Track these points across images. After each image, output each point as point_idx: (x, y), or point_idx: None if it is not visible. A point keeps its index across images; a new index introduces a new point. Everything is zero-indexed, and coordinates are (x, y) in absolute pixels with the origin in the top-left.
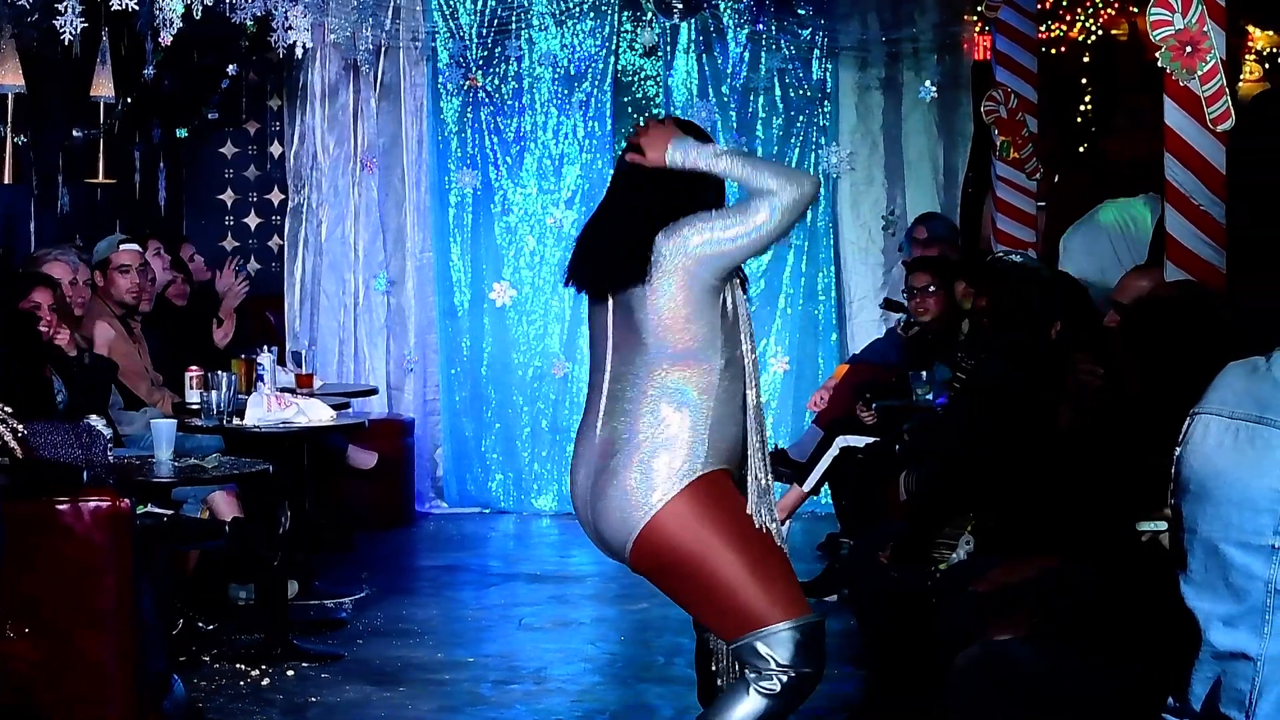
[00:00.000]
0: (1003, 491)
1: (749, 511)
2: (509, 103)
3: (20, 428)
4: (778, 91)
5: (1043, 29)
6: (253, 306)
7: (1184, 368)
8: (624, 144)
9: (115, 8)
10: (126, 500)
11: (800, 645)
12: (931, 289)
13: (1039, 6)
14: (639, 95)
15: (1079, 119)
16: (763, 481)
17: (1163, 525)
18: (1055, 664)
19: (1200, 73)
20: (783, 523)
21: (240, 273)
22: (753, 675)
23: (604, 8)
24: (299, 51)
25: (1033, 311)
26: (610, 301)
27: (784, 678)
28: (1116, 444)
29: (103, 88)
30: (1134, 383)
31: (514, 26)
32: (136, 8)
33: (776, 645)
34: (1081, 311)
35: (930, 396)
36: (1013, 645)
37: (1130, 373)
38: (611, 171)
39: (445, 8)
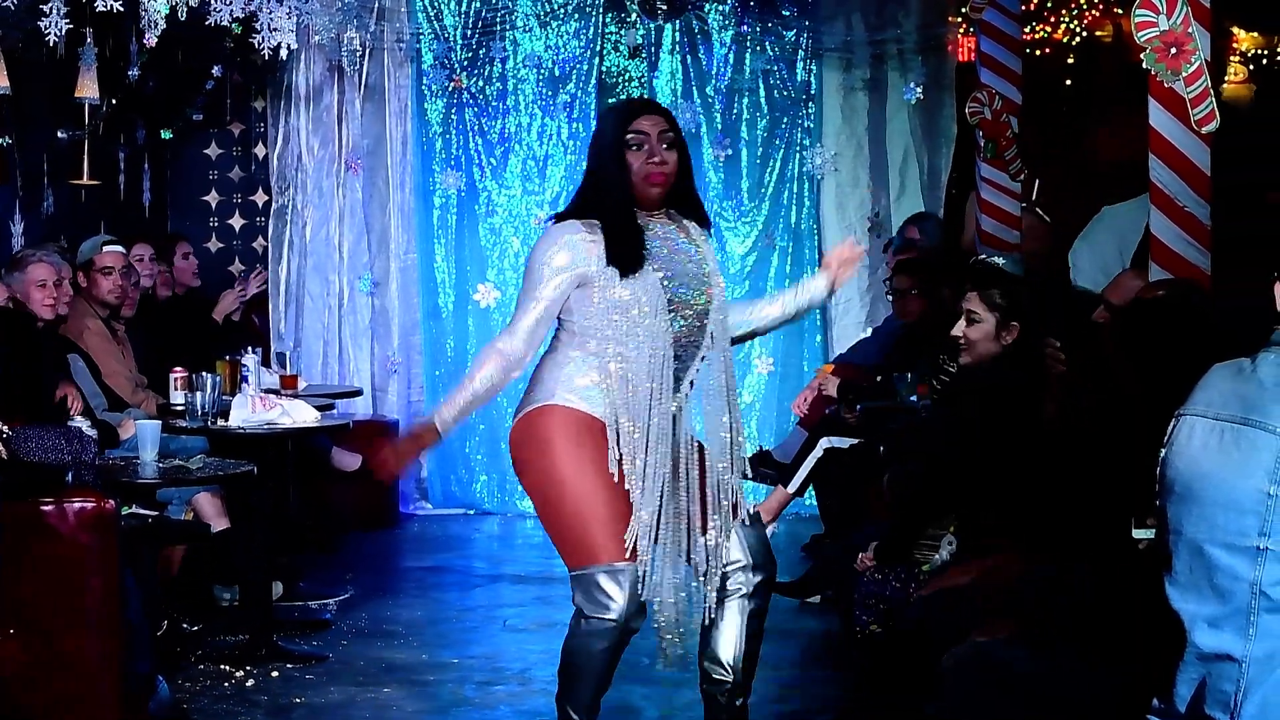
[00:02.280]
0: (995, 491)
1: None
2: (493, 104)
3: (5, 429)
4: (762, 93)
5: (1027, 30)
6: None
7: (1175, 368)
8: None
9: (100, 9)
10: (111, 501)
11: (597, 589)
12: (914, 291)
13: (1023, 8)
14: (623, 96)
15: (1063, 119)
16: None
17: None
18: (1044, 664)
19: (1185, 74)
20: (768, 524)
21: (243, 290)
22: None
23: (588, 9)
24: (283, 53)
25: (1024, 312)
26: None
27: (580, 620)
28: (1110, 444)
29: (87, 89)
30: (1129, 383)
31: (498, 28)
32: (121, 9)
33: (582, 585)
34: (1076, 313)
35: (914, 398)
36: (1002, 645)
37: (1124, 373)
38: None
39: (430, 9)
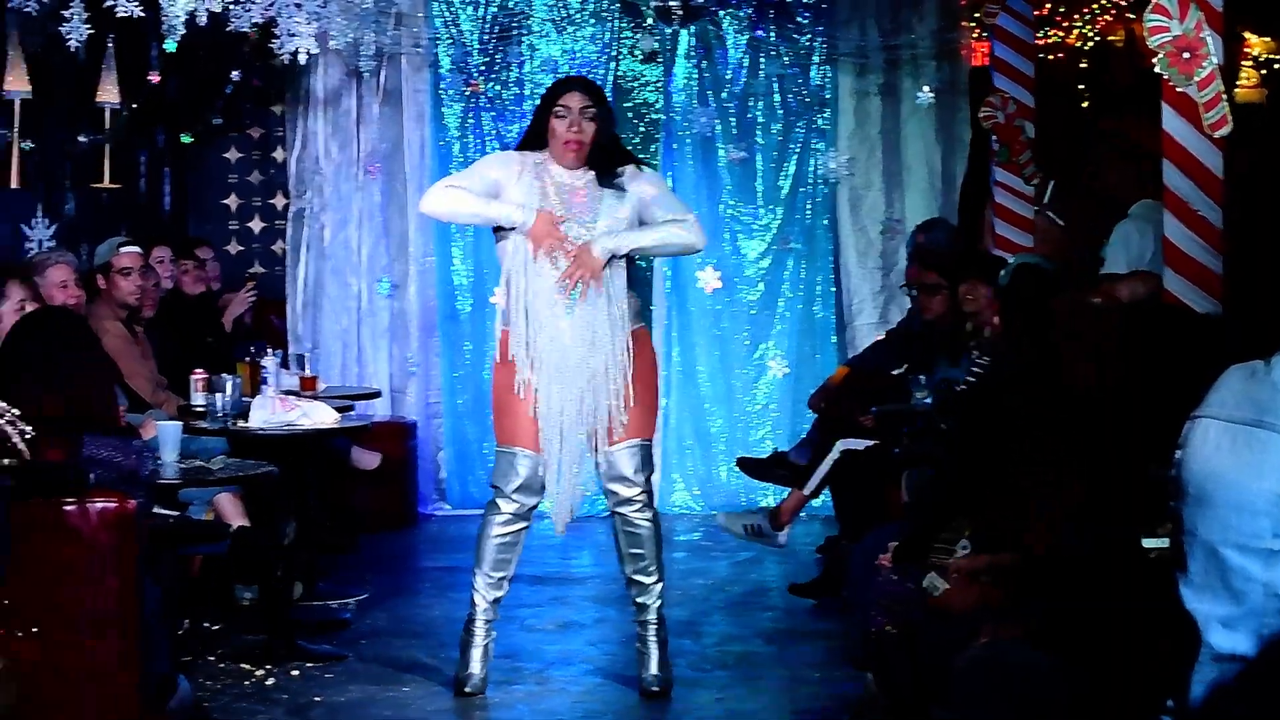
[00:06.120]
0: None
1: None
2: (510, 109)
3: (28, 429)
4: (777, 97)
5: (1040, 35)
6: (256, 310)
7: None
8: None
9: (120, 14)
10: (133, 502)
11: (496, 466)
12: (936, 289)
13: (1036, 13)
14: (639, 101)
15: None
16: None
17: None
18: (1054, 665)
19: (1197, 79)
20: (784, 526)
21: (251, 294)
22: None
23: (604, 14)
24: (302, 58)
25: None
26: None
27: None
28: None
29: (108, 94)
30: (1082, 380)
31: (515, 33)
32: (142, 14)
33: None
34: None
35: (929, 400)
36: (1012, 646)
37: (1079, 370)
38: None
39: (447, 15)
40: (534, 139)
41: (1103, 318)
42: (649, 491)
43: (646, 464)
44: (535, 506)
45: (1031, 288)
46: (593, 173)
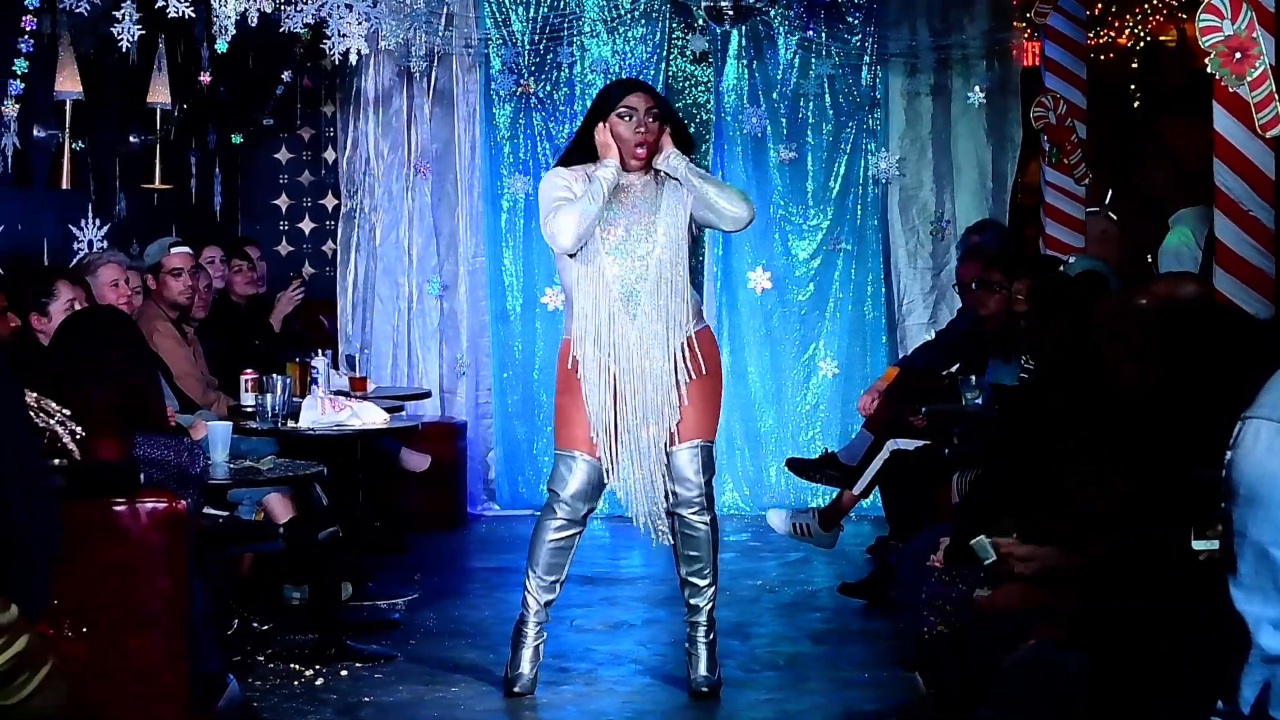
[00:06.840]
0: (1041, 494)
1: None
2: (561, 109)
3: (79, 430)
4: (827, 98)
5: (1091, 35)
6: (307, 310)
7: (1207, 374)
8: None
9: (172, 15)
10: (183, 502)
11: (554, 470)
12: (996, 287)
13: (1087, 13)
14: (689, 101)
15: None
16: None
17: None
18: (1102, 667)
19: (1249, 79)
20: (834, 526)
21: (299, 291)
22: None
23: (655, 15)
24: (353, 58)
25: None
26: None
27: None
28: (1154, 449)
29: (159, 94)
30: (1125, 380)
31: (566, 33)
32: (193, 15)
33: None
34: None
35: (980, 401)
36: (1059, 649)
37: (1123, 370)
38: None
39: (498, 15)
40: (580, 146)
41: (1146, 318)
42: (708, 494)
43: (708, 466)
44: (590, 512)
45: (1079, 288)
46: (650, 175)
